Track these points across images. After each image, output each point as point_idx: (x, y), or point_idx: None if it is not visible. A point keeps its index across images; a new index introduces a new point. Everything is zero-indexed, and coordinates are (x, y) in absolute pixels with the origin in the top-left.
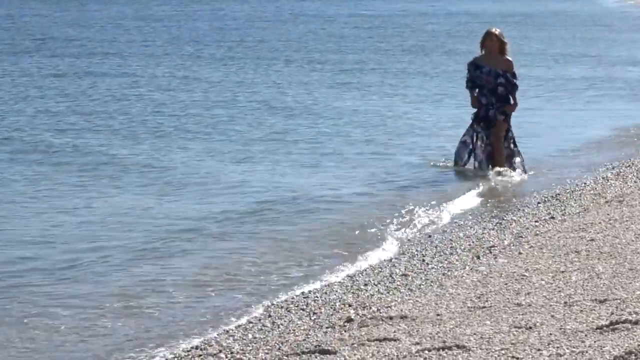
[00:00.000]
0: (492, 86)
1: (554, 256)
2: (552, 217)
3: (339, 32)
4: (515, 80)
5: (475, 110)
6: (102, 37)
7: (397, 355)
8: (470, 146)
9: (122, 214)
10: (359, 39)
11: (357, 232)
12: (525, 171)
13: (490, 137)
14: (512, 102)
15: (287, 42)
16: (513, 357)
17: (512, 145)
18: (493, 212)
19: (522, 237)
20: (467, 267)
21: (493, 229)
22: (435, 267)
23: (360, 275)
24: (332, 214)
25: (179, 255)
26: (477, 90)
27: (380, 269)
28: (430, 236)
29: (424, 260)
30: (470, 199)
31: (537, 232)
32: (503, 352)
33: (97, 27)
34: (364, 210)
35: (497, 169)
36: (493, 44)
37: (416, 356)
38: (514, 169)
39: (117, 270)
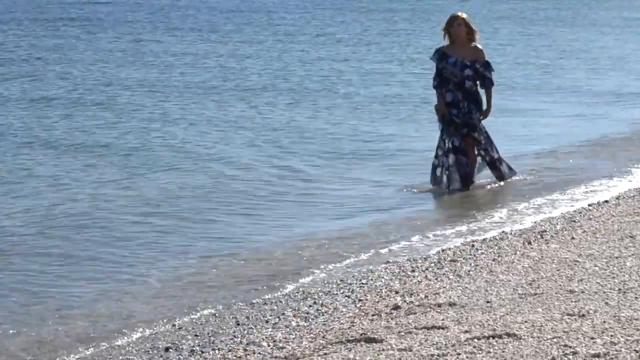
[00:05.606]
0: (458, 80)
1: (607, 241)
2: (606, 201)
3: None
4: (488, 74)
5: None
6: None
7: (446, 344)
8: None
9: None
10: None
11: (402, 218)
12: (511, 170)
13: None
14: (481, 102)
15: None
16: (565, 345)
17: (492, 152)
18: (544, 196)
19: (575, 221)
20: (518, 253)
21: (545, 213)
22: (485, 252)
23: (407, 261)
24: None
25: (215, 241)
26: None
27: (428, 255)
28: (479, 221)
29: (473, 246)
30: (519, 182)
31: (591, 216)
32: (555, 340)
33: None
34: (410, 195)
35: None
36: (460, 29)
37: (465, 344)
38: (503, 178)
39: (151, 258)
